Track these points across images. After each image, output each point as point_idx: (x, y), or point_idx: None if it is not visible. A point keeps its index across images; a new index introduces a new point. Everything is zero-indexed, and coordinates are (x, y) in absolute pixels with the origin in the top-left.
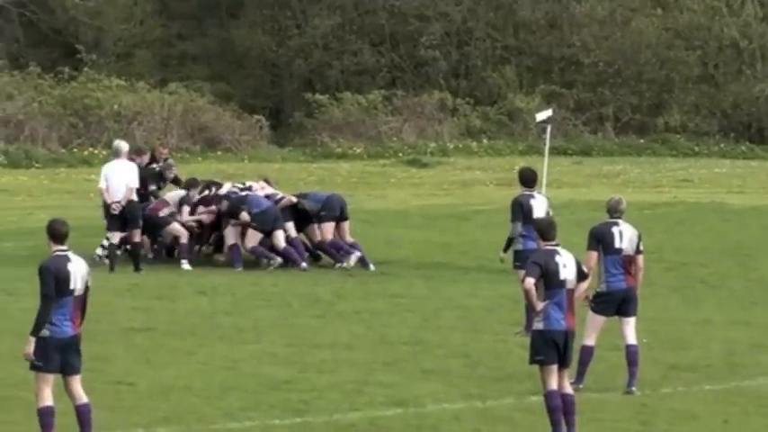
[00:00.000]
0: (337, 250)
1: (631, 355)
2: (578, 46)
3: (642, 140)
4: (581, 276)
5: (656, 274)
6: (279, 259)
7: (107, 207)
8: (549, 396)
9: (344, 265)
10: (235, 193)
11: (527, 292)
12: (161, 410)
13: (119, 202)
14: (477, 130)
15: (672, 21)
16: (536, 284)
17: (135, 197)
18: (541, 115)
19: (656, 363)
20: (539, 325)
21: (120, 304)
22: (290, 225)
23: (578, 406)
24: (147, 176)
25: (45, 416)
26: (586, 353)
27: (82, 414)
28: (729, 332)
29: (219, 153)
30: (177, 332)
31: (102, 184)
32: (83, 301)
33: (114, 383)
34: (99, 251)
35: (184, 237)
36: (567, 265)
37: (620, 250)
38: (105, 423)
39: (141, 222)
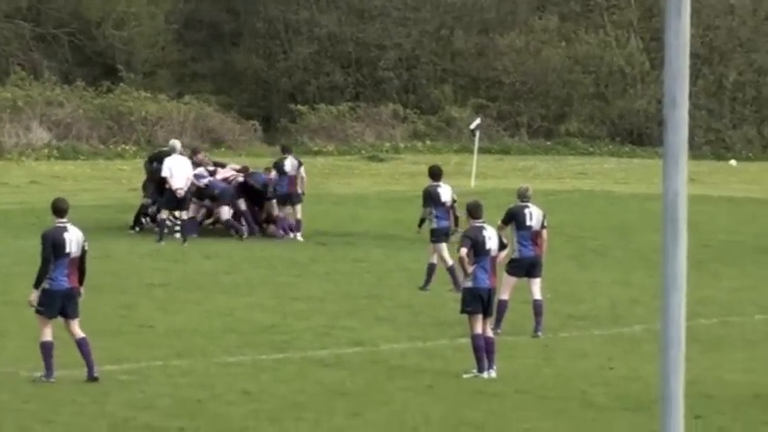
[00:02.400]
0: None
1: (537, 307)
2: (500, 69)
3: (549, 142)
4: (501, 246)
5: (558, 244)
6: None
7: (171, 191)
8: (474, 338)
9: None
10: (203, 175)
11: (461, 259)
12: (175, 347)
13: (182, 188)
14: (422, 134)
15: (573, 51)
16: (468, 253)
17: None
18: (473, 124)
19: (556, 313)
20: (468, 284)
21: (144, 265)
22: (241, 201)
23: (497, 346)
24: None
25: (45, 347)
26: (502, 305)
27: (81, 346)
28: (613, 290)
29: (223, 149)
30: (187, 287)
31: (167, 173)
32: (79, 261)
33: (138, 326)
34: (145, 221)
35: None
36: (491, 238)
37: (529, 227)
38: (131, 356)
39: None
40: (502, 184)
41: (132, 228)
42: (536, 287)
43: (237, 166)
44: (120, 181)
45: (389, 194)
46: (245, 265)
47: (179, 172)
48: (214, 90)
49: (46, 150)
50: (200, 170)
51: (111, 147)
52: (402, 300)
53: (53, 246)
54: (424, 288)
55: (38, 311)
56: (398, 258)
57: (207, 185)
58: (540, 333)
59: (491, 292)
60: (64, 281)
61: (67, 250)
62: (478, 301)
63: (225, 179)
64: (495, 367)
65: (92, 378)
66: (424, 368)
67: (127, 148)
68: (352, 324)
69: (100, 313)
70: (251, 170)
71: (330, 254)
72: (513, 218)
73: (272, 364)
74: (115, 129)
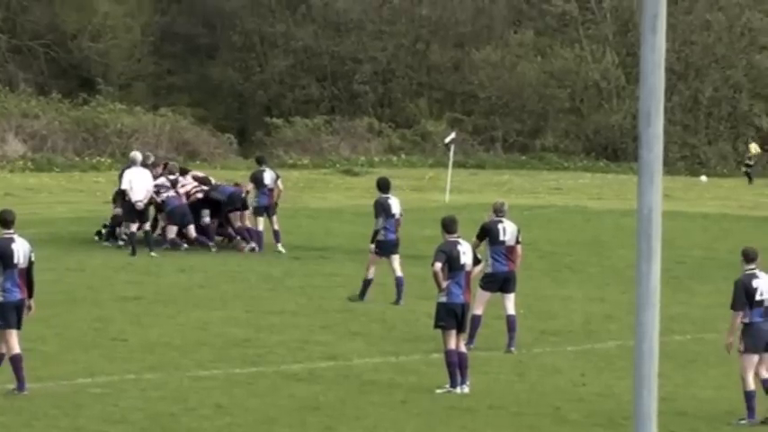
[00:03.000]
0: (242, 235)
1: (511, 323)
2: (476, 84)
3: (524, 157)
4: (476, 261)
5: (532, 260)
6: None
7: (129, 203)
8: (448, 353)
9: (249, 248)
10: (165, 187)
11: (435, 274)
12: (148, 361)
13: (141, 201)
14: (397, 148)
15: (548, 66)
16: (442, 268)
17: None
18: (448, 138)
19: (529, 329)
20: (442, 298)
21: (117, 278)
22: (206, 212)
23: (470, 361)
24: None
25: (14, 360)
26: (475, 320)
27: (14, 361)
28: (587, 306)
29: (198, 162)
30: (161, 300)
31: (126, 186)
32: (27, 272)
33: (111, 339)
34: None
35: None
36: (465, 253)
37: (503, 242)
38: (105, 369)
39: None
40: (477, 199)
41: (107, 239)
42: (509, 302)
43: (200, 174)
44: (95, 193)
45: (364, 209)
46: (219, 279)
47: (139, 184)
48: (190, 103)
49: (21, 162)
50: (162, 180)
51: (86, 159)
52: (376, 314)
53: (1, 257)
54: (359, 300)
55: None
56: None
57: (163, 201)
58: (513, 348)
59: (465, 307)
60: (17, 292)
61: (15, 261)
62: (452, 317)
63: (186, 193)
64: (468, 383)
65: (20, 389)
66: (397, 383)
67: (102, 160)
68: (326, 338)
69: (74, 326)
70: (215, 182)
71: (304, 268)
72: (488, 233)
73: (245, 378)
74: (90, 141)
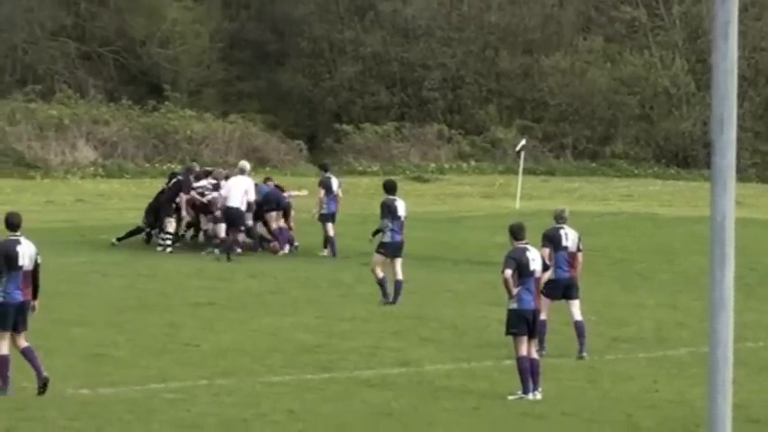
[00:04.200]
0: (276, 237)
1: (579, 328)
2: (546, 90)
3: (594, 164)
4: (545, 268)
5: (603, 267)
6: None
7: (225, 209)
8: (520, 360)
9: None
10: (208, 189)
11: (506, 281)
12: (220, 366)
13: (237, 207)
14: (467, 154)
15: (618, 72)
16: (512, 275)
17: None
18: (519, 145)
19: (601, 335)
20: (513, 305)
21: (189, 284)
22: (249, 215)
23: (541, 368)
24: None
25: (1, 360)
26: (542, 326)
27: (26, 354)
28: (658, 313)
29: (268, 169)
30: (233, 306)
31: (225, 192)
32: (32, 275)
33: (184, 345)
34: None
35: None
36: (535, 259)
37: (566, 248)
38: (177, 375)
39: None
40: (547, 206)
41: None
42: (575, 309)
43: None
44: None
45: (434, 215)
46: (290, 285)
47: (236, 191)
48: (259, 109)
49: (92, 168)
50: (204, 183)
51: (156, 165)
52: (447, 320)
53: (6, 259)
54: (389, 302)
55: None
56: (443, 279)
57: (210, 201)
58: (584, 354)
59: (536, 313)
60: (18, 294)
61: (20, 263)
62: (524, 323)
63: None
64: (540, 389)
65: (42, 380)
66: (469, 389)
67: (172, 166)
68: (398, 344)
69: (146, 332)
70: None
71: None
72: (550, 240)
73: (317, 384)
74: (161, 147)
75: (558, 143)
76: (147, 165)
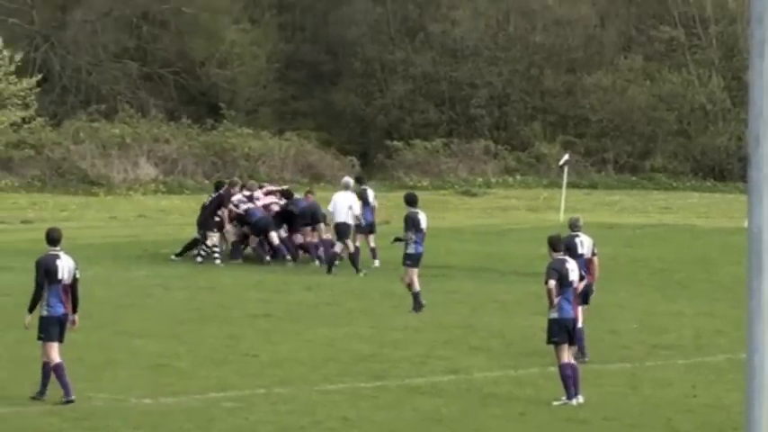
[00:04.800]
0: (307, 250)
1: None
2: (588, 107)
3: (634, 178)
4: (581, 278)
5: (643, 276)
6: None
7: (334, 224)
8: (562, 367)
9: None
10: (243, 201)
11: (549, 291)
12: (277, 376)
13: (342, 222)
14: (513, 169)
15: (657, 89)
16: (555, 285)
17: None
18: (562, 160)
19: (642, 343)
20: (554, 314)
21: (248, 296)
22: (283, 226)
23: (583, 374)
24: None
25: (57, 369)
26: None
27: (56, 371)
28: (697, 321)
29: (322, 184)
30: (290, 317)
31: (331, 208)
32: (71, 288)
33: (243, 355)
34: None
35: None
36: (573, 270)
37: (581, 255)
38: (236, 384)
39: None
40: (590, 218)
41: (178, 255)
42: (581, 314)
43: (274, 187)
44: None
45: (482, 228)
46: (344, 297)
47: (341, 205)
48: (314, 127)
49: (153, 185)
50: (239, 196)
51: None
52: (495, 330)
53: (46, 272)
54: (419, 310)
55: (40, 338)
56: (491, 290)
57: (246, 212)
58: (587, 359)
59: (575, 321)
60: (60, 307)
61: (59, 277)
62: (564, 331)
63: (265, 206)
64: (580, 393)
65: (68, 401)
66: (516, 396)
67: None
68: (448, 353)
69: (206, 343)
70: (295, 196)
71: (426, 286)
72: (567, 249)
73: (370, 391)
74: (219, 164)
75: (600, 158)
76: (207, 181)
